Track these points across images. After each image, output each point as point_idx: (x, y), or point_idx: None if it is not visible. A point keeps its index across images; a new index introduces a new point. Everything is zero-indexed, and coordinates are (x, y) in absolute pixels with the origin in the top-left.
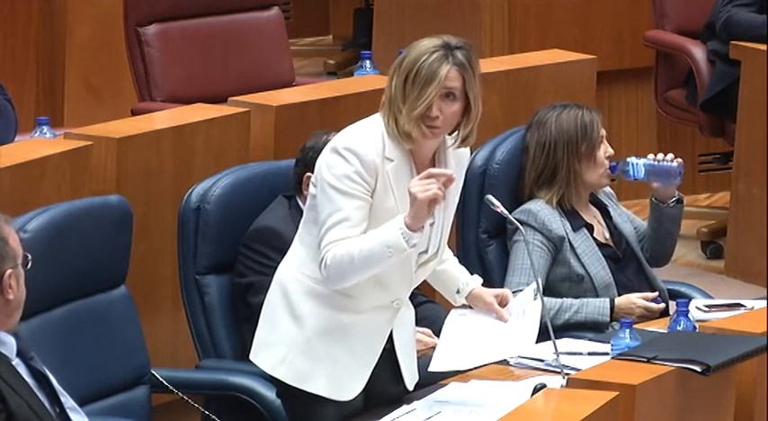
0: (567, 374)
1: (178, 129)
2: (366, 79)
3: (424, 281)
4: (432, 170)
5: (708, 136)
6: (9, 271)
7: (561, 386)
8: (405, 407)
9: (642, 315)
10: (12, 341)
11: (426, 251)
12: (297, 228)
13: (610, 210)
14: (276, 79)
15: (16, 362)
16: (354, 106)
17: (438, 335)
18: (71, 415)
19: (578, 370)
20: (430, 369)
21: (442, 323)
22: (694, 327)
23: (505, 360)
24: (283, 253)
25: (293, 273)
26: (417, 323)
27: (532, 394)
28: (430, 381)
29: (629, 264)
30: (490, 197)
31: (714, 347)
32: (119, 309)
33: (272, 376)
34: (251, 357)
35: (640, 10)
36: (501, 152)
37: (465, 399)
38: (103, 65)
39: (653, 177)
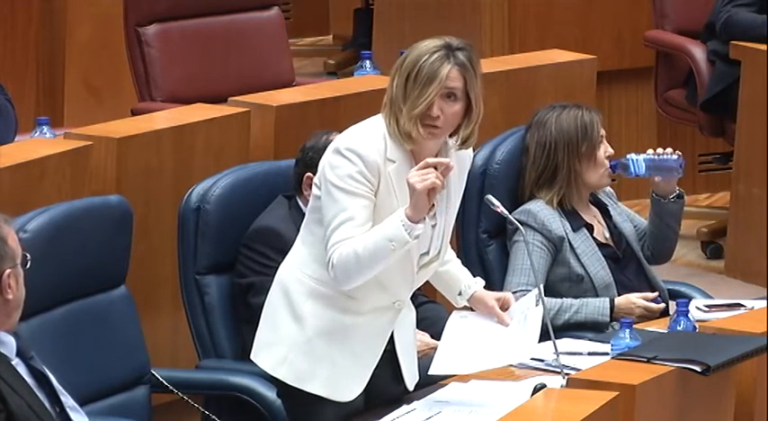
0: (567, 374)
1: (178, 129)
2: (366, 79)
3: (426, 281)
4: (429, 160)
5: (708, 136)
6: (8, 271)
7: (561, 386)
8: (405, 407)
9: (642, 315)
10: (11, 341)
11: (428, 252)
12: (297, 228)
13: (610, 209)
14: (276, 79)
15: (16, 361)
16: (354, 106)
17: (439, 337)
18: (71, 414)
19: (578, 370)
20: (430, 372)
21: (443, 323)
22: (694, 327)
23: None
24: (283, 253)
25: (295, 273)
26: (418, 323)
27: (532, 394)
28: (430, 381)
29: (629, 263)
30: (490, 197)
31: (714, 347)
32: (119, 309)
33: (272, 376)
34: (252, 357)
35: (640, 10)
36: (501, 152)
37: (465, 399)
38: (103, 65)
39: (654, 172)
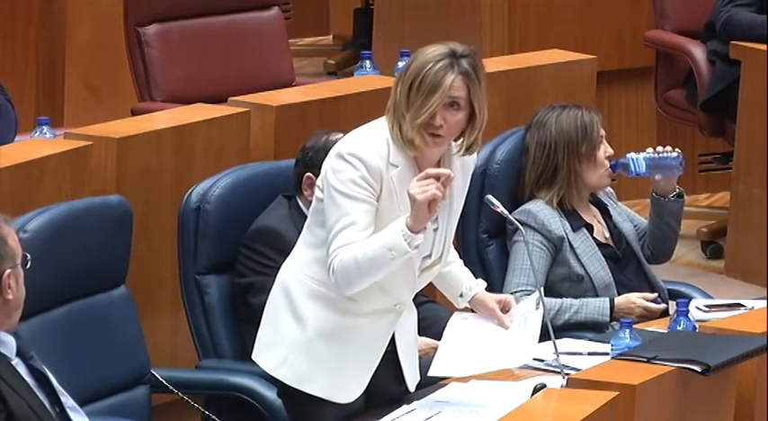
0: (567, 374)
1: (178, 129)
2: (366, 79)
3: None
4: (429, 170)
5: (708, 136)
6: (8, 271)
7: (561, 386)
8: (405, 407)
9: (642, 315)
10: (11, 341)
11: (430, 256)
12: (297, 228)
13: (610, 209)
14: (276, 79)
15: (16, 361)
16: (354, 106)
17: (439, 337)
18: (71, 414)
19: (578, 370)
20: (429, 374)
21: (443, 323)
22: (694, 327)
23: None
24: (283, 253)
25: (296, 274)
26: (418, 323)
27: (532, 394)
28: (431, 381)
29: (629, 263)
30: (490, 197)
31: (714, 347)
32: (119, 309)
33: (272, 376)
34: (253, 357)
35: (640, 10)
36: (501, 152)
37: (465, 399)
38: (103, 65)
39: (654, 170)
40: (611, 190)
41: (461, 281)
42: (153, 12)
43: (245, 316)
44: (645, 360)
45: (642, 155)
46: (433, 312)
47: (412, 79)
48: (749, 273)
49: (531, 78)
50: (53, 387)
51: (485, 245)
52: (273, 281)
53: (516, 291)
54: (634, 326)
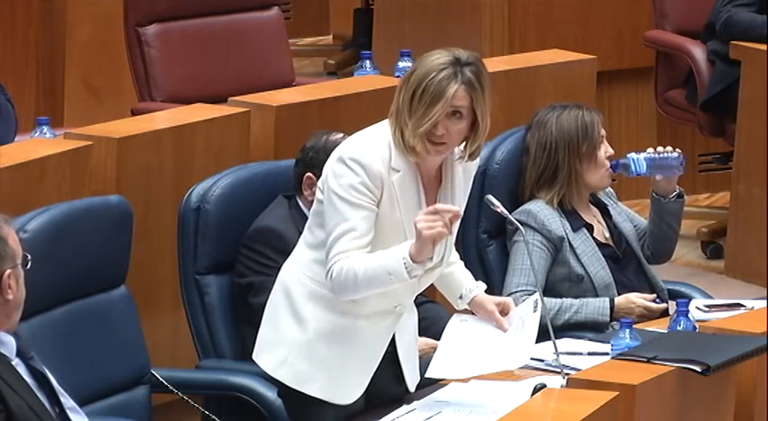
0: (567, 374)
1: (178, 129)
2: (366, 79)
3: None
4: (438, 206)
5: (708, 136)
6: (8, 271)
7: (561, 386)
8: (405, 407)
9: (642, 315)
10: (11, 341)
11: (431, 259)
12: (297, 228)
13: (610, 209)
14: (276, 79)
15: (16, 361)
16: (354, 106)
17: (438, 337)
18: (71, 415)
19: (578, 370)
20: (427, 375)
21: (442, 323)
22: (694, 327)
23: None
24: (283, 253)
25: (296, 275)
26: (418, 323)
27: (532, 394)
28: (431, 382)
29: (629, 263)
30: (490, 197)
31: (714, 347)
32: (119, 309)
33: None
34: (254, 357)
35: (640, 10)
36: (501, 152)
37: (465, 399)
38: (103, 65)
39: (655, 170)
40: (612, 190)
41: (461, 282)
42: (153, 12)
43: (245, 316)
44: (645, 360)
45: (643, 155)
46: (432, 312)
47: (415, 87)
48: (749, 273)
49: (531, 78)
50: (53, 387)
51: (485, 245)
52: (273, 281)
53: (516, 292)
54: (634, 326)
